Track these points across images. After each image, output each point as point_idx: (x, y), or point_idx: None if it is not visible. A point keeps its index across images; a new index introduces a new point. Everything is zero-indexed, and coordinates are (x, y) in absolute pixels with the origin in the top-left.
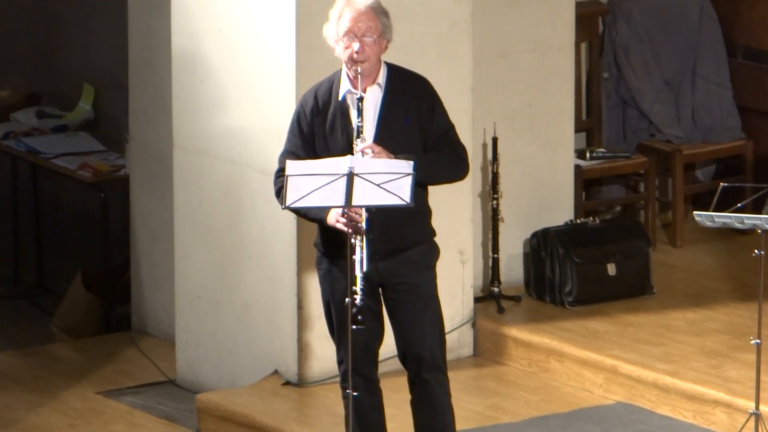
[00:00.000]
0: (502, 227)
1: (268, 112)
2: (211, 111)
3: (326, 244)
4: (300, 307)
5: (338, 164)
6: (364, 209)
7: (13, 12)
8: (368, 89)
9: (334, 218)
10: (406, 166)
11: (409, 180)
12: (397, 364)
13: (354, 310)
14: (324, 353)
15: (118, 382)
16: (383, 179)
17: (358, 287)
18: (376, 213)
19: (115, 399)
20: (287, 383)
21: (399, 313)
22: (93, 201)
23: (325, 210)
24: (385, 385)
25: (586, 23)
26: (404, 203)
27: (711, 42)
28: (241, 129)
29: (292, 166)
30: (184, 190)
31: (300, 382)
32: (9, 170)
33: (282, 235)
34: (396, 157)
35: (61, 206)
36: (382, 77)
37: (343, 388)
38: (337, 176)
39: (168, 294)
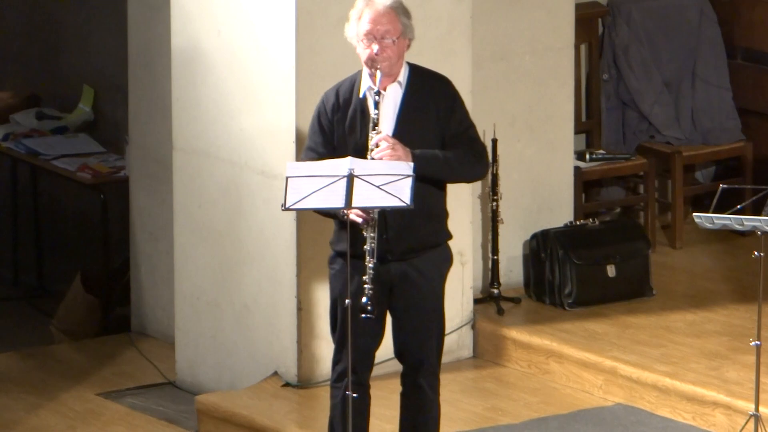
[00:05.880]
0: (501, 229)
1: (268, 114)
2: (211, 113)
3: (341, 242)
4: (300, 308)
5: (338, 166)
6: None
7: (13, 13)
8: (389, 87)
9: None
10: (406, 167)
11: (409, 182)
12: (394, 366)
13: (364, 299)
14: (324, 354)
15: (118, 384)
16: (383, 181)
17: (368, 277)
18: (391, 212)
19: (115, 400)
20: (287, 385)
21: (404, 317)
22: (92, 202)
23: None
24: (382, 386)
25: (585, 25)
26: (404, 205)
27: (710, 43)
28: (240, 131)
29: (292, 168)
30: (183, 191)
31: (300, 384)
32: (8, 172)
33: (281, 236)
34: (412, 152)
35: (61, 208)
36: (403, 76)
37: (334, 388)
38: (337, 178)
39: (167, 295)
